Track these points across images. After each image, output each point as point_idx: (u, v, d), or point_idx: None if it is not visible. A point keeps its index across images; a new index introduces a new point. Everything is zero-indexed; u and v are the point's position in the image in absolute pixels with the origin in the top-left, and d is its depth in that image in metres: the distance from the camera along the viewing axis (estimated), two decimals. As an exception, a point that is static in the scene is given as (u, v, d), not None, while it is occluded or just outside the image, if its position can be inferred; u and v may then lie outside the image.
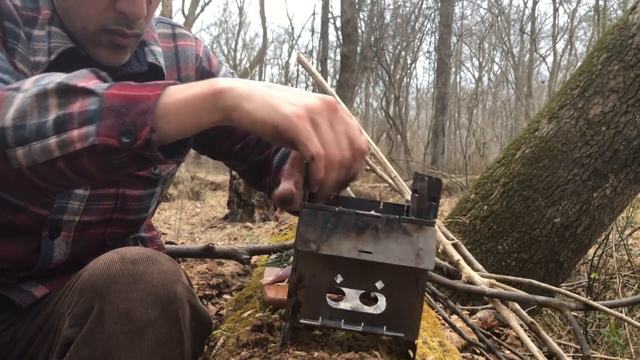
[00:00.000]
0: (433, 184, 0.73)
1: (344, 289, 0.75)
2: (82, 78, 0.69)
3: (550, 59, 15.91)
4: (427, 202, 0.73)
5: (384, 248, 0.67)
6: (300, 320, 0.71)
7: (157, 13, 1.05)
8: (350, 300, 0.75)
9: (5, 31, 0.85)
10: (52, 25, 0.90)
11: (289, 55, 23.03)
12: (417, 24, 15.57)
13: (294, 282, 0.70)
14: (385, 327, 0.72)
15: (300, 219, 0.68)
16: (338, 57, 15.02)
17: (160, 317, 0.75)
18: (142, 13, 0.87)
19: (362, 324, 0.71)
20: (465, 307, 2.15)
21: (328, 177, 0.65)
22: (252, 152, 1.16)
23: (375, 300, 0.76)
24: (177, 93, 0.66)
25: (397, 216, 0.69)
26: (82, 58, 0.91)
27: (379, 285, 0.70)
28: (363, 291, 0.73)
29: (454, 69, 18.17)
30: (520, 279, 1.74)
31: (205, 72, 1.12)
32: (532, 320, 1.35)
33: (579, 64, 4.63)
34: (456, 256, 1.67)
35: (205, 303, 2.20)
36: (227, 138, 1.13)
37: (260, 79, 20.79)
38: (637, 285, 2.62)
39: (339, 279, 0.70)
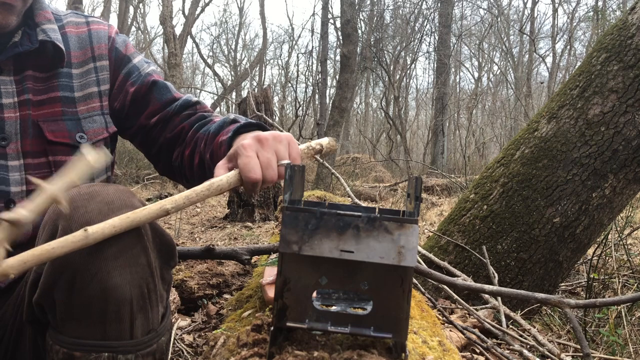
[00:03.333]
0: (416, 183, 0.73)
1: None
2: None
3: (549, 60, 15.92)
4: (412, 201, 0.73)
5: (365, 247, 0.68)
6: (287, 323, 0.71)
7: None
8: None
9: None
10: None
11: (289, 56, 23.00)
12: (416, 25, 15.57)
13: (279, 285, 0.70)
14: (372, 328, 0.72)
15: (283, 221, 0.68)
16: (338, 58, 15.02)
17: None
18: None
19: (349, 325, 0.72)
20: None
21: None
22: (166, 128, 1.19)
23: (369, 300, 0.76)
24: None
25: (378, 215, 0.69)
26: None
27: (364, 286, 0.70)
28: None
29: (453, 70, 18.17)
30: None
31: (119, 54, 1.18)
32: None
33: (578, 64, 4.63)
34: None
35: (206, 303, 2.21)
36: (148, 114, 1.19)
37: (260, 79, 20.81)
38: (636, 284, 2.62)
39: (324, 281, 0.70)
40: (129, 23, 17.41)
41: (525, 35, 16.13)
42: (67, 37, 1.11)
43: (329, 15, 15.24)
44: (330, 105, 9.64)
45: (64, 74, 1.09)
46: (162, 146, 1.19)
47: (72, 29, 1.13)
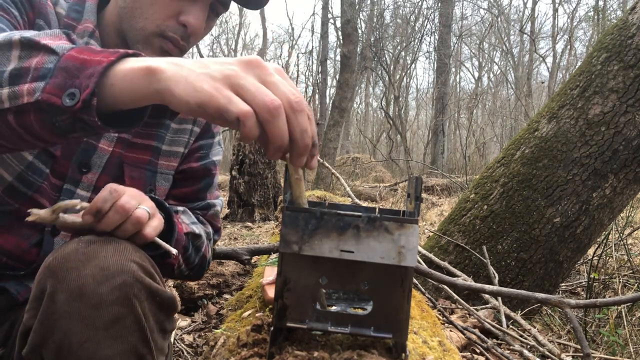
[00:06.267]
0: (416, 183, 0.73)
1: None
2: (51, 37, 0.70)
3: (549, 59, 15.92)
4: (412, 201, 0.73)
5: (366, 247, 0.67)
6: (287, 324, 0.71)
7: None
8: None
9: (35, 28, 0.92)
10: (91, 38, 0.98)
11: (289, 56, 23.00)
12: (417, 25, 15.58)
13: (279, 285, 0.70)
14: (372, 328, 0.72)
15: (283, 221, 0.68)
16: (338, 57, 15.02)
17: (112, 291, 0.73)
18: (200, 28, 0.98)
19: (349, 325, 0.71)
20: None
21: (274, 128, 0.61)
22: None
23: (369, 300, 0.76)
24: (129, 64, 0.65)
25: (378, 215, 0.69)
26: None
27: (364, 286, 0.70)
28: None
29: (453, 69, 18.19)
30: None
31: (209, 127, 1.18)
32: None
33: (579, 64, 4.63)
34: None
35: (206, 303, 2.21)
36: (181, 194, 1.17)
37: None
38: (636, 284, 2.62)
39: (324, 281, 0.70)
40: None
41: (525, 35, 16.13)
42: None
43: (329, 15, 15.25)
44: (330, 105, 9.65)
45: (165, 125, 1.09)
46: None
47: None
